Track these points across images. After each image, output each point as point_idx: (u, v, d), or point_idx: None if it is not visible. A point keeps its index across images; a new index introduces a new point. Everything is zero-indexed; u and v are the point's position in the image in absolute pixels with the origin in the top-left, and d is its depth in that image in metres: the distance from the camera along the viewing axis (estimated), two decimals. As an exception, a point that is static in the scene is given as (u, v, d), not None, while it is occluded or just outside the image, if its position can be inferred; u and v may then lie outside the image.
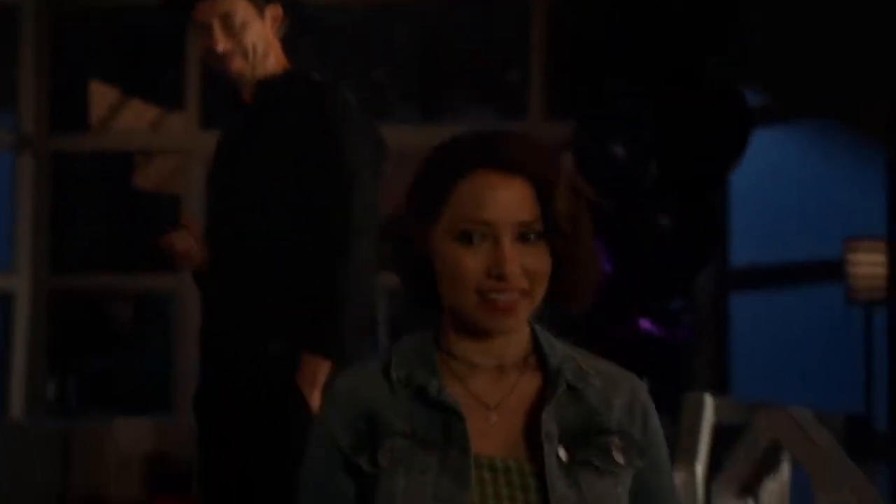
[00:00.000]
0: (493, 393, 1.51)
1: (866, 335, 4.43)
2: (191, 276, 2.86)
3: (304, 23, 2.95)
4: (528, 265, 1.47)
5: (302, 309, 2.62)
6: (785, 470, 2.34)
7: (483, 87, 6.98)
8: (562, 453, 1.47)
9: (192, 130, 6.16)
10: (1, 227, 6.16)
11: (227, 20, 2.74)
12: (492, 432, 1.48)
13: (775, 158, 5.55)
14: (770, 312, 5.46)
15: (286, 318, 2.65)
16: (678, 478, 2.22)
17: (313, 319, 2.61)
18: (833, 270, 4.59)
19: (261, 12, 2.77)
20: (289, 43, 2.90)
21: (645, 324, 4.60)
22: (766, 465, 2.16)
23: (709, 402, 2.31)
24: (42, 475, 5.55)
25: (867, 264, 4.32)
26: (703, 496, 2.22)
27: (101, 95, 7.00)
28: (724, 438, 2.33)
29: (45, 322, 6.20)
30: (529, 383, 1.52)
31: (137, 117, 6.97)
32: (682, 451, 2.25)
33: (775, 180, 5.59)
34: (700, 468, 2.24)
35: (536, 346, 1.54)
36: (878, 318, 4.45)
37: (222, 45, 2.74)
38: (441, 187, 1.49)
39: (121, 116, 6.94)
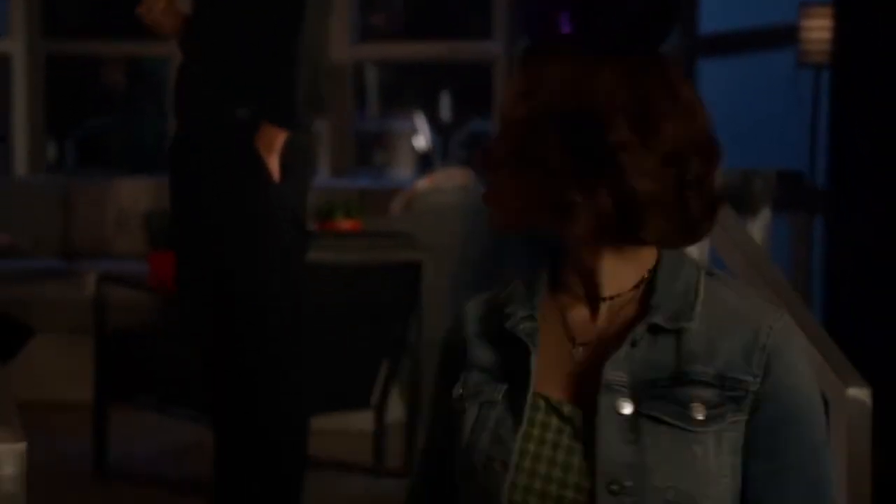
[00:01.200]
0: (588, 329, 1.37)
1: (814, 97, 4.68)
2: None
3: None
4: None
5: (263, 82, 2.95)
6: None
7: None
8: (625, 405, 1.30)
9: None
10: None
11: None
12: (569, 372, 1.35)
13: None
14: (731, 77, 5.65)
15: (250, 90, 2.96)
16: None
17: (271, 92, 2.95)
18: (788, 36, 4.80)
19: None
20: None
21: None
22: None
23: None
24: (46, 229, 5.86)
25: (817, 29, 4.54)
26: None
27: None
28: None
29: (42, 84, 6.40)
30: (629, 320, 1.35)
31: None
32: None
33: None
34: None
35: (653, 276, 1.35)
36: (823, 80, 4.69)
37: None
38: None
39: None
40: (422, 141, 7.73)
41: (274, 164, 2.97)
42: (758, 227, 3.22)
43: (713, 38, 5.75)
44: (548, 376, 1.35)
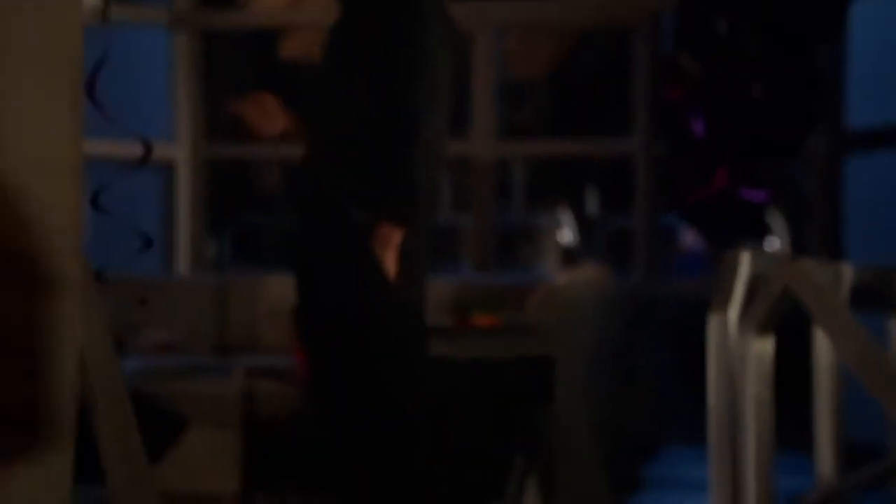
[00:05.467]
0: None
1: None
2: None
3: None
4: None
5: (381, 182, 3.03)
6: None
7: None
8: None
9: (328, 6, 6.56)
10: (162, 102, 6.69)
11: None
12: None
13: (893, 19, 5.62)
14: (885, 174, 5.58)
15: (368, 189, 3.05)
16: (713, 321, 2.59)
17: (388, 192, 3.03)
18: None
19: None
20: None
21: (736, 187, 4.87)
22: (780, 308, 2.54)
23: (745, 256, 2.66)
24: (202, 325, 6.15)
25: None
26: (735, 336, 2.60)
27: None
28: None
29: (204, 186, 6.76)
30: None
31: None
32: (718, 297, 2.62)
33: (891, 43, 5.68)
34: (733, 313, 2.61)
35: None
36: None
37: None
38: None
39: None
40: (566, 236, 7.86)
41: (390, 264, 3.05)
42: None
43: (860, 133, 5.71)
44: None
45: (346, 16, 3.23)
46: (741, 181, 4.85)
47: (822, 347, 2.77)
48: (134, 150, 3.39)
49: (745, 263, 2.62)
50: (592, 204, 8.17)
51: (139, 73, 6.69)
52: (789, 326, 2.67)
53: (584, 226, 7.93)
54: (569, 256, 7.73)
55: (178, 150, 6.69)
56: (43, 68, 2.85)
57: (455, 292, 5.72)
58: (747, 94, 4.87)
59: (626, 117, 6.45)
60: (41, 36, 3.00)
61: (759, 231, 4.94)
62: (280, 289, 6.03)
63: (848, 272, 2.71)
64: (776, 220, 5.92)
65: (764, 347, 2.64)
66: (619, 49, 6.80)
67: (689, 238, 7.42)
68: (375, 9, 3.12)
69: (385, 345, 3.12)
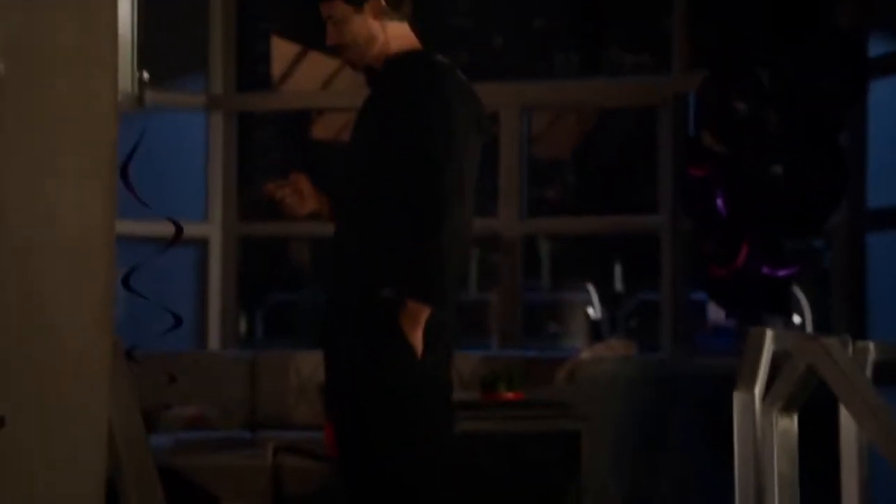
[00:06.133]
0: None
1: None
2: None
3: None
4: None
5: (409, 261, 3.09)
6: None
7: (638, 36, 7.27)
8: None
9: (359, 88, 6.70)
10: (197, 181, 6.83)
11: (331, 20, 3.24)
12: None
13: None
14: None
15: (396, 267, 3.11)
16: (738, 398, 2.64)
17: (416, 270, 3.10)
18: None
19: (358, 8, 3.22)
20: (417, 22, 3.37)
21: (759, 263, 4.93)
22: (804, 387, 2.58)
23: (769, 333, 2.69)
24: (233, 400, 6.15)
25: None
26: (760, 414, 2.64)
27: (283, 51, 7.61)
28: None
29: (236, 264, 6.86)
30: None
31: (315, 70, 7.54)
32: (742, 375, 2.66)
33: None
34: (758, 390, 2.65)
35: None
36: None
37: (330, 41, 3.26)
38: None
39: (300, 70, 7.53)
40: (592, 311, 7.91)
41: (417, 340, 3.09)
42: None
43: (882, 211, 5.75)
44: None
45: (375, 97, 3.32)
46: (764, 257, 4.91)
47: (848, 425, 2.79)
48: (167, 229, 3.47)
49: (768, 341, 2.66)
50: (619, 278, 8.24)
51: (176, 152, 6.81)
52: (815, 403, 2.71)
53: (611, 300, 7.97)
54: (595, 331, 7.76)
55: (212, 229, 6.80)
56: (78, 153, 2.95)
57: (482, 366, 5.75)
58: (769, 172, 4.94)
59: (651, 193, 6.52)
60: (78, 121, 3.09)
61: (782, 306, 4.98)
62: (310, 364, 6.07)
63: (871, 349, 2.75)
64: (799, 296, 5.95)
65: (789, 425, 2.66)
66: (643, 127, 6.90)
67: (717, 312, 7.47)
68: (405, 91, 3.20)
69: (412, 420, 3.16)
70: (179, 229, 2.87)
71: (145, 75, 3.54)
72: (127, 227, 5.32)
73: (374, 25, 3.24)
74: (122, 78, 3.73)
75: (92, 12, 3.07)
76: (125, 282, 3.18)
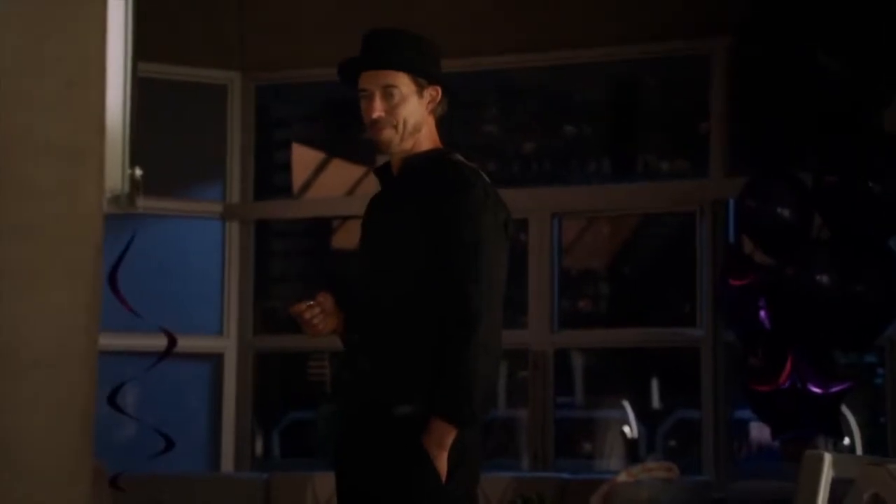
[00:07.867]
0: None
1: None
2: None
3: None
4: None
5: (433, 377, 2.82)
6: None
7: (674, 140, 7.05)
8: None
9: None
10: (212, 293, 6.59)
11: (387, 91, 2.99)
12: None
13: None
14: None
15: (417, 384, 2.85)
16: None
17: (443, 387, 2.81)
18: None
19: (421, 91, 3.02)
20: (444, 122, 3.13)
21: (806, 379, 4.62)
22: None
23: (827, 458, 2.45)
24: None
25: None
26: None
27: (304, 158, 7.42)
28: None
29: (252, 380, 6.58)
30: None
31: (337, 179, 7.34)
32: (799, 501, 2.40)
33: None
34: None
35: None
36: None
37: (377, 112, 2.99)
38: None
39: (322, 178, 7.33)
40: (629, 430, 7.56)
41: (442, 464, 2.83)
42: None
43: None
44: None
45: (394, 195, 3.06)
46: (812, 373, 4.59)
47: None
48: (161, 342, 3.15)
49: (826, 466, 2.39)
50: (656, 395, 7.89)
51: (194, 262, 6.63)
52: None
53: (648, 418, 7.63)
54: (632, 451, 7.41)
55: (227, 343, 6.55)
56: (62, 260, 2.69)
57: (511, 489, 5.49)
58: (816, 282, 4.66)
59: (690, 304, 6.22)
60: (61, 225, 2.84)
61: (832, 426, 4.64)
62: (327, 486, 5.80)
63: None
64: (847, 414, 5.62)
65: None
66: (680, 235, 6.62)
67: (762, 431, 7.08)
68: (429, 193, 2.96)
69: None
70: (173, 342, 2.69)
71: (138, 172, 3.26)
72: (134, 340, 5.10)
73: (426, 114, 3.04)
74: (111, 176, 3.42)
75: (77, 105, 2.83)
76: (111, 400, 2.94)
